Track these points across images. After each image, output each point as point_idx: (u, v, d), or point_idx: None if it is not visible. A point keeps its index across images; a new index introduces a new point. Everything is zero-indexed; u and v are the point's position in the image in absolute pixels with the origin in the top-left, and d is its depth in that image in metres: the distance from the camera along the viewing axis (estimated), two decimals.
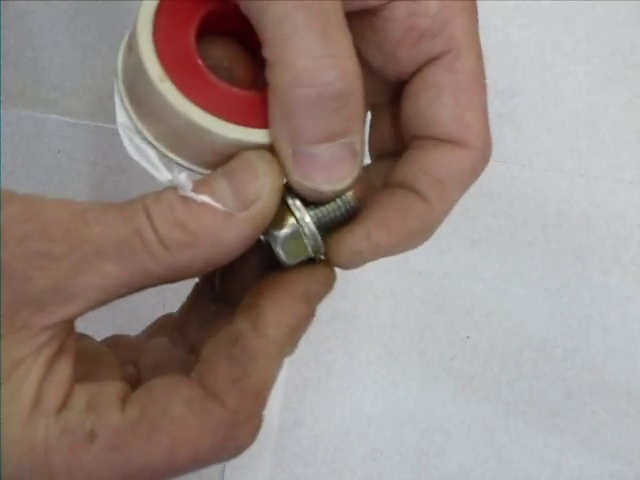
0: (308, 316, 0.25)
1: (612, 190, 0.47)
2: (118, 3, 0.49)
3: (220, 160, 0.24)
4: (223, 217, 0.22)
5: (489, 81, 0.50)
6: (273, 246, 0.24)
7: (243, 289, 0.26)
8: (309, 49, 0.21)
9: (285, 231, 0.24)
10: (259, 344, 0.23)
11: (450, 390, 0.45)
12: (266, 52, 0.22)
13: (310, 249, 0.25)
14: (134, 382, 0.25)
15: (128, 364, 0.27)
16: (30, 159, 0.48)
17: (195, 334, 0.27)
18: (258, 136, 0.23)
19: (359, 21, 0.25)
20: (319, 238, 0.25)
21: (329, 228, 0.25)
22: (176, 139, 0.24)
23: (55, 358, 0.22)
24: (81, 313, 0.22)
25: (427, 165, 0.26)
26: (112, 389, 0.23)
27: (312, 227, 0.24)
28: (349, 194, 0.24)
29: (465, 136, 0.26)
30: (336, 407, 0.45)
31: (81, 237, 0.21)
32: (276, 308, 0.24)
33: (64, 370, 0.23)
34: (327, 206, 0.24)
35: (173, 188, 0.22)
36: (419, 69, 0.26)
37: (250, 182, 0.22)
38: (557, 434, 0.44)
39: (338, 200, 0.24)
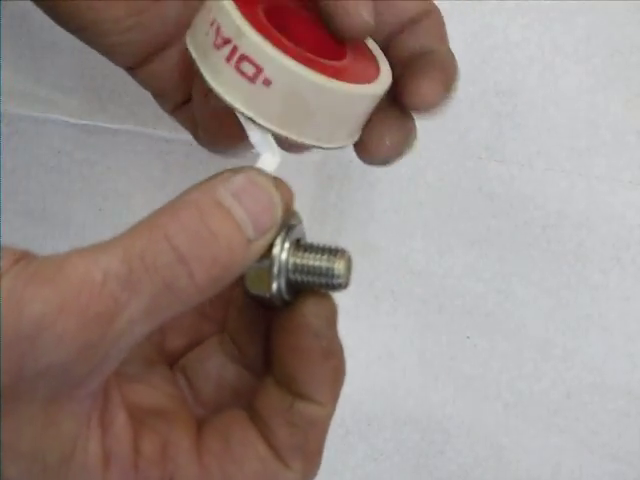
0: (339, 364, 0.25)
1: (612, 190, 0.47)
2: None
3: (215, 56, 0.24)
4: (246, 246, 0.22)
5: (489, 81, 0.50)
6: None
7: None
8: None
9: (259, 261, 0.23)
10: (313, 411, 0.24)
11: (450, 390, 0.45)
12: None
13: (274, 288, 0.24)
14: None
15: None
16: (30, 159, 0.48)
17: (247, 347, 0.27)
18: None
19: None
20: (283, 281, 0.24)
21: (304, 283, 0.24)
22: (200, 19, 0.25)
23: (106, 414, 0.22)
24: (115, 369, 0.22)
25: None
26: (184, 434, 0.24)
27: (283, 266, 0.24)
28: (341, 267, 0.24)
29: None
30: (336, 407, 0.45)
31: (110, 318, 0.20)
32: (312, 375, 0.24)
33: (120, 419, 0.23)
34: (313, 264, 0.24)
35: (195, 210, 0.22)
36: None
37: (267, 210, 0.23)
38: (557, 434, 0.44)
39: (326, 266, 0.24)
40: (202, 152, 0.47)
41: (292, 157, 0.48)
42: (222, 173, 0.23)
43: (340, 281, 0.24)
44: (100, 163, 0.48)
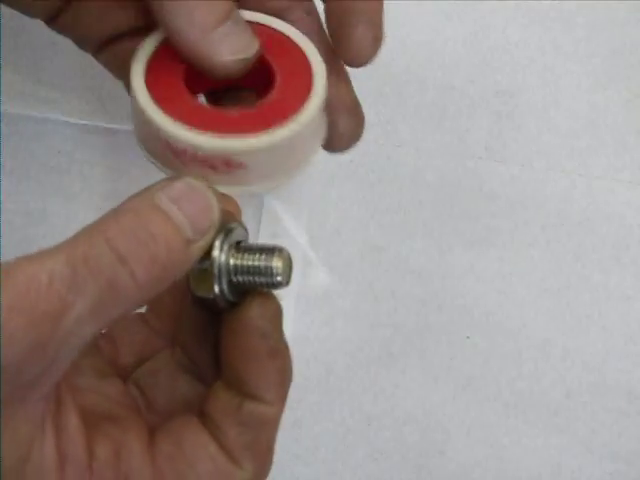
0: (285, 363, 0.26)
1: (612, 190, 0.47)
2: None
3: (177, 162, 0.26)
4: (185, 245, 0.23)
5: (489, 81, 0.50)
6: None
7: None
8: None
9: (201, 263, 0.24)
10: (262, 410, 0.25)
11: (450, 390, 0.45)
12: None
13: (216, 289, 0.25)
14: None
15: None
16: (30, 159, 0.47)
17: (198, 357, 0.28)
18: (203, 139, 0.25)
19: None
20: (225, 283, 0.25)
21: (246, 284, 0.25)
22: (147, 137, 0.27)
23: (58, 418, 0.23)
24: (65, 372, 0.23)
25: None
26: (137, 438, 0.24)
27: (223, 267, 0.25)
28: (279, 265, 0.25)
29: None
30: (336, 407, 0.45)
31: (57, 317, 0.21)
32: (259, 375, 0.25)
33: (73, 423, 0.23)
34: (252, 264, 0.25)
35: (134, 214, 0.23)
36: None
37: (205, 212, 0.24)
38: (557, 434, 0.44)
39: (265, 265, 0.25)
40: None
41: None
42: (160, 181, 0.24)
43: (279, 279, 0.25)
44: (100, 163, 0.48)
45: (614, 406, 0.44)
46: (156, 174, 0.48)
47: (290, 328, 0.45)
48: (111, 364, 0.28)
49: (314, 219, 0.46)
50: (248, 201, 0.47)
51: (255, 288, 0.25)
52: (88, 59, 0.50)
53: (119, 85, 0.49)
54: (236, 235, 0.26)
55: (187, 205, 0.23)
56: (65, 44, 0.49)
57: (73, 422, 0.23)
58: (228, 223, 0.25)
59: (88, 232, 0.22)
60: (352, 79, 0.46)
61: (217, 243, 0.24)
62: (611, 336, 0.45)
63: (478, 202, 0.47)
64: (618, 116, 0.47)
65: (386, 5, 0.50)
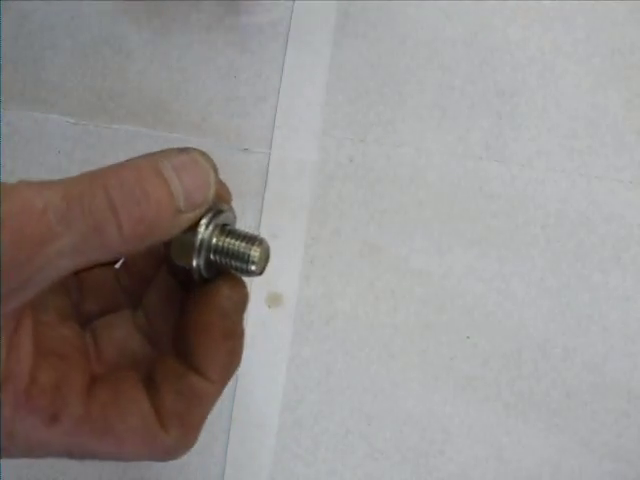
0: (236, 347, 0.27)
1: (612, 190, 0.47)
2: (118, 3, 0.49)
3: None
4: (174, 213, 0.24)
5: (489, 81, 0.50)
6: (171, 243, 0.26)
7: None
8: None
9: (185, 234, 0.25)
10: (202, 386, 0.26)
11: (450, 390, 0.45)
12: None
13: (194, 262, 0.26)
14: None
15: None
16: (30, 159, 0.48)
17: (157, 323, 0.29)
18: None
19: None
20: (203, 258, 0.26)
21: (222, 265, 0.26)
22: None
23: (15, 337, 0.24)
24: (34, 297, 0.23)
25: None
26: (78, 378, 0.25)
27: (205, 242, 0.25)
28: (256, 254, 0.26)
29: None
30: (336, 407, 0.45)
31: (41, 242, 0.22)
32: (210, 351, 0.26)
33: (26, 346, 0.24)
34: (231, 247, 0.26)
35: (135, 171, 0.23)
36: None
37: (201, 188, 0.24)
38: (557, 434, 0.44)
39: (244, 251, 0.26)
40: None
41: (292, 157, 0.48)
42: (168, 149, 0.25)
43: (254, 267, 0.26)
44: (100, 163, 0.47)
45: (614, 406, 0.44)
46: None
47: (290, 328, 0.45)
48: (74, 307, 0.29)
49: (314, 219, 0.46)
50: (248, 202, 0.47)
51: (229, 271, 0.26)
52: (88, 59, 0.50)
53: (119, 85, 0.49)
54: (224, 218, 0.26)
55: (187, 177, 0.24)
56: (65, 44, 0.49)
57: (26, 345, 0.24)
58: (220, 205, 0.26)
59: (89, 176, 0.23)
60: (352, 78, 0.47)
61: (205, 220, 0.25)
62: (611, 336, 0.45)
63: (478, 202, 0.47)
64: (618, 116, 0.48)
65: (386, 5, 0.50)
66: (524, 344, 0.45)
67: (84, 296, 0.29)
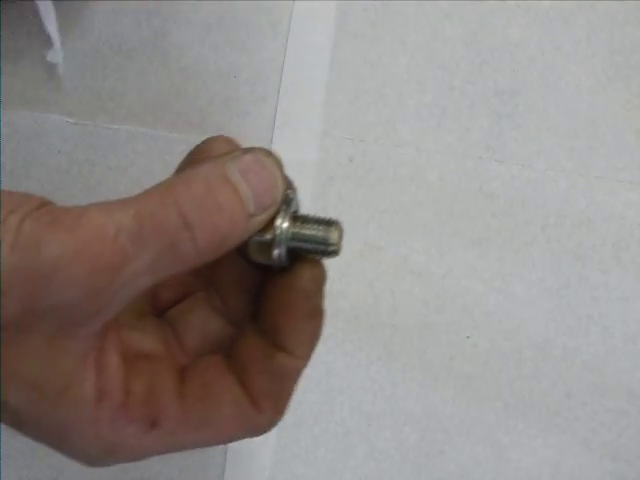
0: (320, 324, 0.27)
1: (612, 190, 0.47)
2: (118, 3, 0.49)
3: None
4: (246, 219, 0.24)
5: (489, 81, 0.50)
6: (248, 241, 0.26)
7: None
8: None
9: (260, 232, 0.26)
10: (291, 363, 0.26)
11: (450, 390, 0.45)
12: None
13: (275, 256, 0.26)
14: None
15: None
16: (30, 159, 0.48)
17: (232, 301, 0.29)
18: None
19: None
20: (283, 250, 0.26)
21: (301, 250, 0.27)
22: None
23: (101, 357, 0.24)
24: (117, 314, 0.24)
25: None
26: (169, 377, 0.26)
27: (283, 236, 0.26)
28: (334, 236, 0.26)
29: None
30: (336, 407, 0.45)
31: (117, 267, 0.22)
32: (296, 331, 0.26)
33: (114, 362, 0.25)
34: (310, 233, 0.26)
35: (205, 183, 0.23)
36: None
37: (269, 190, 0.25)
38: (557, 434, 0.44)
39: (322, 235, 0.26)
40: None
41: (293, 157, 0.48)
42: (233, 151, 0.25)
43: (334, 248, 0.26)
44: (100, 163, 0.48)
45: (614, 406, 0.44)
46: (157, 174, 0.48)
47: None
48: (149, 301, 0.29)
49: None
50: None
51: (307, 255, 0.27)
52: (88, 59, 0.50)
53: (119, 85, 0.49)
54: (294, 205, 0.27)
55: (254, 180, 0.24)
56: (65, 44, 0.49)
57: (114, 360, 0.25)
58: (288, 193, 0.27)
59: (159, 192, 0.23)
60: (352, 78, 0.47)
61: (280, 213, 0.26)
62: (611, 336, 0.45)
63: (478, 202, 0.47)
64: (618, 116, 0.47)
65: (386, 5, 0.50)
66: (524, 344, 0.45)
67: (157, 287, 0.29)
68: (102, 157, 0.48)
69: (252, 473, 0.44)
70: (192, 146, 0.29)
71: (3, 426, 0.24)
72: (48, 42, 0.48)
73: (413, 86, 0.48)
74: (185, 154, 0.29)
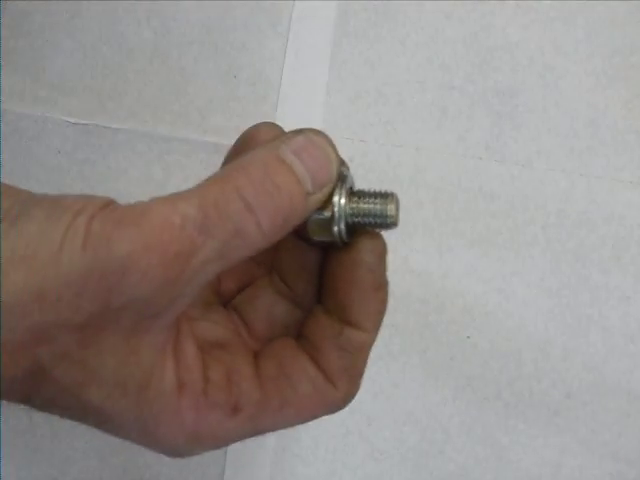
0: (386, 296, 0.27)
1: (612, 190, 0.47)
2: (118, 3, 0.49)
3: None
4: (305, 198, 0.24)
5: (489, 81, 0.50)
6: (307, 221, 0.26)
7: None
8: None
9: (319, 210, 0.26)
10: (361, 337, 0.27)
11: (450, 390, 0.45)
12: None
13: (335, 233, 0.26)
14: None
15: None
16: (30, 159, 0.48)
17: (296, 284, 0.29)
18: None
19: None
20: (343, 226, 0.26)
21: (360, 224, 0.27)
22: None
23: (178, 347, 0.25)
24: (188, 305, 0.24)
25: None
26: (245, 363, 0.26)
27: (342, 211, 0.26)
28: (393, 208, 0.26)
29: None
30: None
31: (187, 257, 0.22)
32: (363, 305, 0.27)
33: (191, 351, 0.25)
34: (368, 206, 0.27)
35: (262, 166, 0.24)
36: None
37: (324, 167, 0.25)
38: (557, 434, 0.44)
39: (380, 208, 0.26)
40: (202, 152, 0.47)
41: None
42: (283, 135, 0.25)
43: (392, 220, 0.26)
44: (100, 163, 0.48)
45: (614, 406, 0.44)
46: (157, 174, 0.48)
47: None
48: (214, 292, 0.30)
49: None
50: None
51: (366, 228, 0.27)
52: (88, 59, 0.50)
53: (119, 85, 0.49)
54: (349, 181, 0.27)
55: (308, 159, 0.25)
56: (65, 44, 0.49)
57: (191, 350, 0.25)
58: (342, 170, 0.27)
59: (219, 180, 0.23)
60: (352, 78, 0.47)
61: (337, 191, 0.26)
62: (611, 336, 0.45)
63: (478, 202, 0.47)
64: (618, 116, 0.48)
65: (386, 5, 0.50)
66: (524, 344, 0.45)
67: (221, 277, 0.30)
68: (102, 157, 0.48)
69: (252, 473, 0.44)
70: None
71: (3, 425, 0.23)
72: (48, 42, 0.48)
73: (413, 86, 0.48)
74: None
